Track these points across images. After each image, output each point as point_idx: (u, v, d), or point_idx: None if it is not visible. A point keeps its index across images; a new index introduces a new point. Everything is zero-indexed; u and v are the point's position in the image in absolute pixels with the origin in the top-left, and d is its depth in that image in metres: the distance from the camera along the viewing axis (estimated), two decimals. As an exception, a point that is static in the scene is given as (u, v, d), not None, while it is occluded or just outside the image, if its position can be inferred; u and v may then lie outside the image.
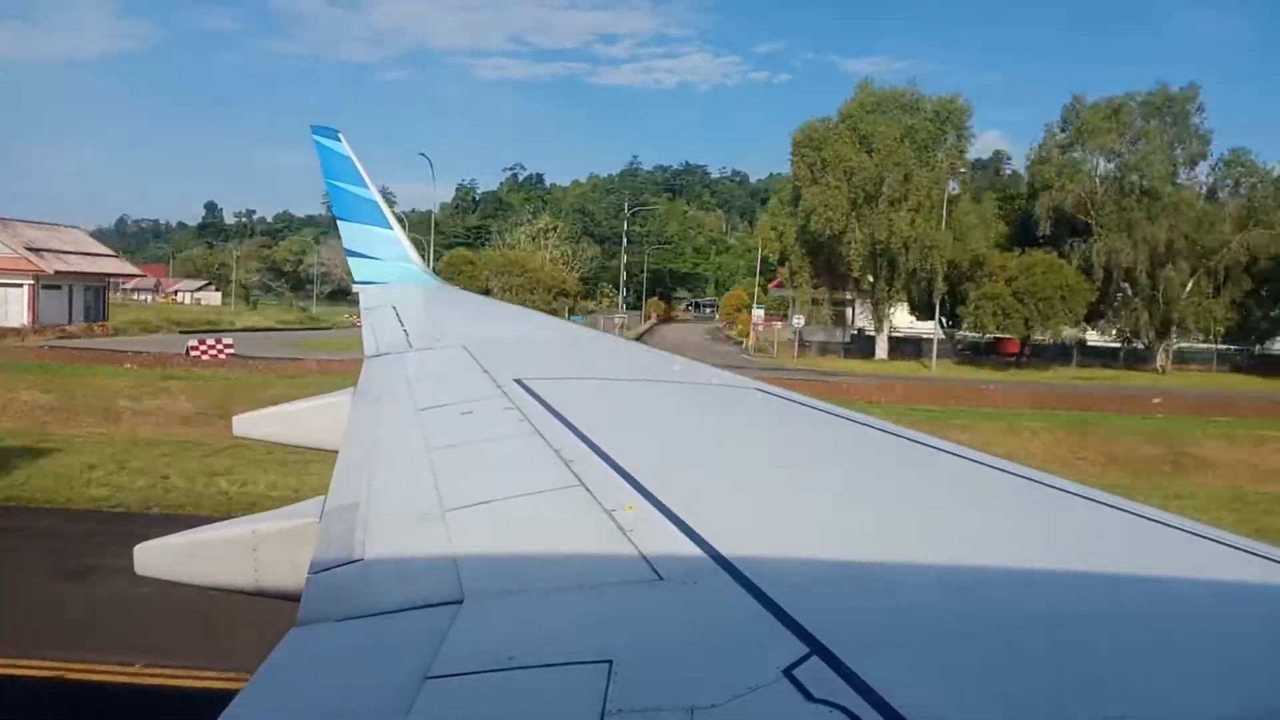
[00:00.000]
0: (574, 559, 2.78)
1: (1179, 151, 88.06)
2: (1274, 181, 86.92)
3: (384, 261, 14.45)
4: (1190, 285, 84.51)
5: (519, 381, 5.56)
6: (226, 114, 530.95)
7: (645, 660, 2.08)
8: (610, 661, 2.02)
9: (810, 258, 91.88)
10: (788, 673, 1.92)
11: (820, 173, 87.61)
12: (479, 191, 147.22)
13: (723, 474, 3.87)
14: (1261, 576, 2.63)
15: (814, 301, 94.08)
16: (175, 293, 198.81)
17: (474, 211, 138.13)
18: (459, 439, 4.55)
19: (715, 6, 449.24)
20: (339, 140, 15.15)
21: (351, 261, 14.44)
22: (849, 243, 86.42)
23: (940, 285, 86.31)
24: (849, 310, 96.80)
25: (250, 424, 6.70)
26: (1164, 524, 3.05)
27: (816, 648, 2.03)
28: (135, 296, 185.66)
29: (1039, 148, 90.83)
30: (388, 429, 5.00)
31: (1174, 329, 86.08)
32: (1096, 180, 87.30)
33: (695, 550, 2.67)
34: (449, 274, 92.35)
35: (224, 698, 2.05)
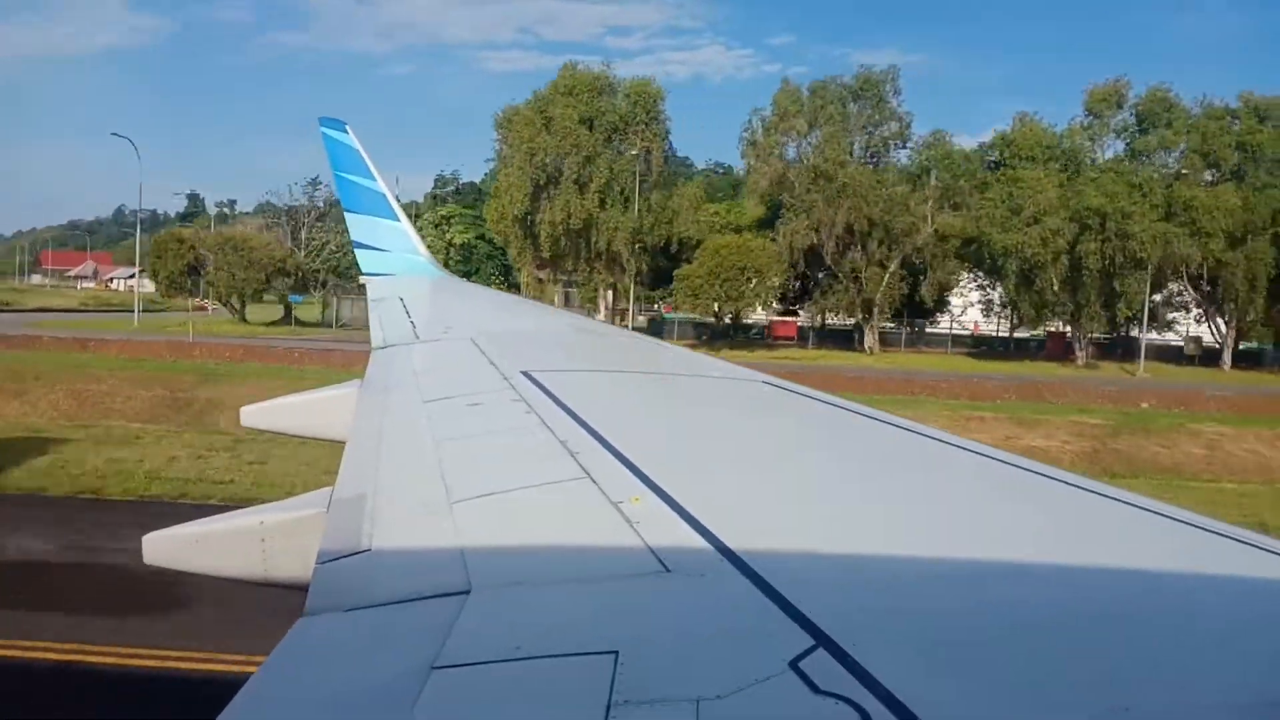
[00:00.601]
0: (580, 551, 2.79)
1: (876, 134, 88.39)
2: (963, 162, 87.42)
3: (391, 253, 14.42)
4: (894, 267, 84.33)
5: (526, 374, 5.57)
6: (228, 106, 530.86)
7: (651, 651, 2.08)
8: (616, 653, 2.02)
9: (530, 239, 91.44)
10: (794, 665, 1.92)
11: (510, 155, 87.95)
12: (461, 181, 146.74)
13: (729, 467, 3.88)
14: (1265, 570, 2.64)
15: (539, 281, 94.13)
16: (111, 279, 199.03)
17: (451, 200, 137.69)
18: (466, 431, 4.56)
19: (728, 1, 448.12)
20: (346, 132, 15.15)
21: (359, 253, 14.42)
22: (540, 224, 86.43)
23: (631, 265, 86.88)
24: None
25: (258, 415, 6.75)
26: (1172, 518, 3.05)
27: (823, 640, 2.03)
28: (80, 285, 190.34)
29: (747, 131, 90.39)
30: (395, 420, 5.01)
31: (875, 311, 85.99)
32: (784, 163, 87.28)
33: (701, 543, 2.68)
34: (154, 256, 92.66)
35: (235, 683, 2.07)
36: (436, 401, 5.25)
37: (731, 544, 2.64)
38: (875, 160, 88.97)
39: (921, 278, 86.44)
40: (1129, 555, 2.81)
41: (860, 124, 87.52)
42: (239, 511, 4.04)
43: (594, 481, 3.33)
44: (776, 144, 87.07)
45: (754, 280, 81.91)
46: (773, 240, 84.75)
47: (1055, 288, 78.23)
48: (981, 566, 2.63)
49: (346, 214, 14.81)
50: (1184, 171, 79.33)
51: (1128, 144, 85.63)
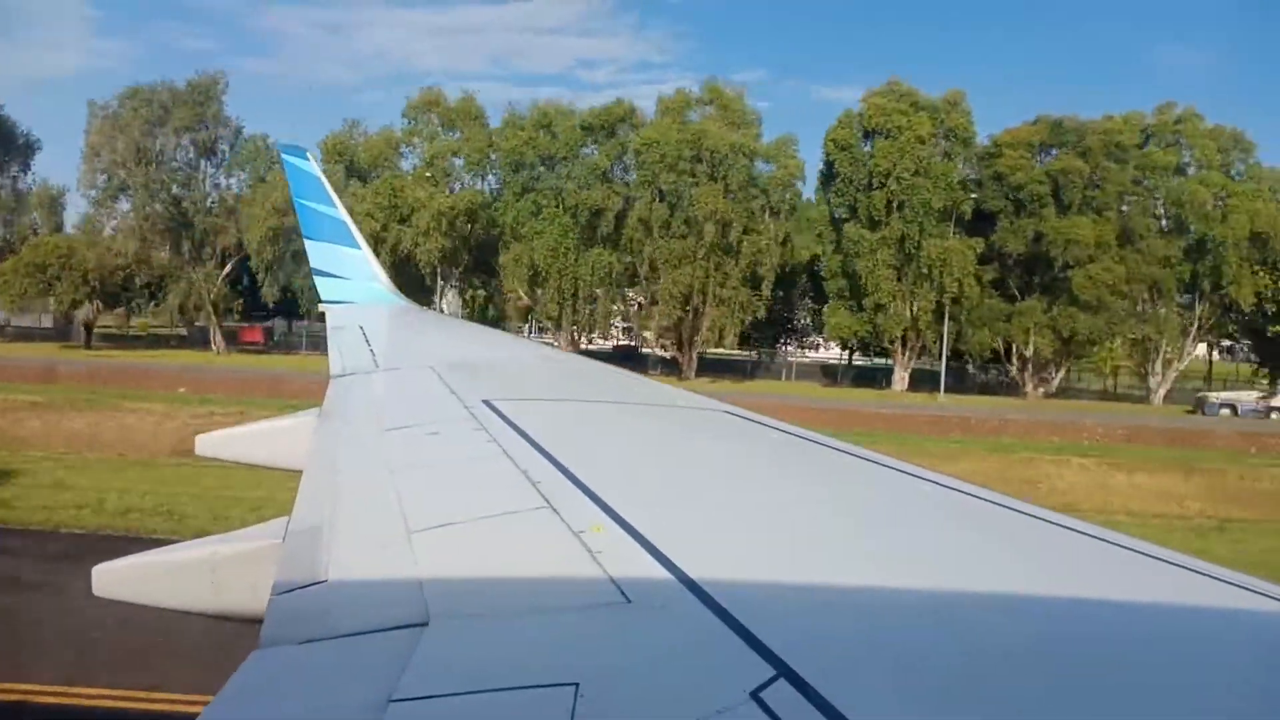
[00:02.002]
0: (541, 581, 2.77)
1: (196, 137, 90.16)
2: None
3: (351, 281, 14.37)
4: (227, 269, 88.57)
5: (487, 403, 5.54)
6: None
7: (612, 683, 2.07)
8: (577, 684, 2.00)
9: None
10: (755, 695, 1.92)
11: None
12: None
13: (691, 497, 3.88)
14: (1219, 600, 2.68)
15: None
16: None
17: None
18: (425, 460, 4.53)
19: (694, 35, 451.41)
20: (307, 159, 15.17)
21: (319, 281, 14.32)
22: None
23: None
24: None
25: (214, 444, 6.67)
26: (1139, 551, 3.08)
27: (784, 670, 2.03)
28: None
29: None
30: (353, 450, 4.96)
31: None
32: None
33: (663, 573, 2.67)
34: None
35: None
36: (396, 430, 5.21)
37: (693, 574, 2.63)
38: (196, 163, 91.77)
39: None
40: (1094, 586, 2.84)
41: (182, 126, 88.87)
42: (191, 542, 3.99)
43: (555, 511, 3.31)
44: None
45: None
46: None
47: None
48: (944, 596, 2.64)
49: (306, 241, 14.72)
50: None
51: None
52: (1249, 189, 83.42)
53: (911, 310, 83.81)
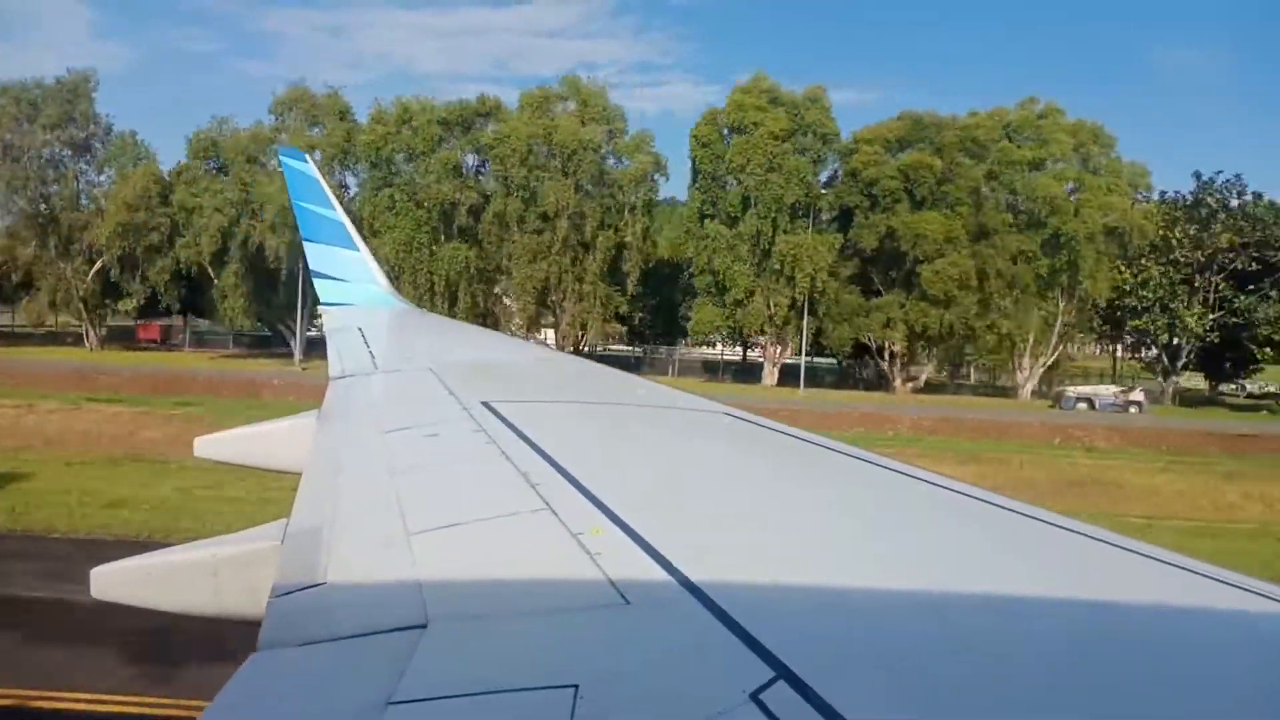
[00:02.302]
0: (540, 583, 2.77)
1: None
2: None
3: (350, 283, 14.36)
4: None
5: (486, 404, 5.53)
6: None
7: (611, 685, 2.07)
8: (576, 687, 2.01)
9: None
10: (754, 697, 1.92)
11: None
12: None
13: (690, 498, 3.89)
14: (1218, 601, 2.69)
15: None
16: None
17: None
18: (424, 462, 4.53)
19: (696, 37, 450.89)
20: (306, 162, 15.21)
21: (317, 283, 14.31)
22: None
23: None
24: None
25: (213, 446, 6.67)
26: (1136, 552, 3.09)
27: (783, 671, 2.03)
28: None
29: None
30: (352, 451, 4.96)
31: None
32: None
33: (662, 574, 2.68)
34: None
35: None
36: (395, 432, 5.20)
37: (692, 575, 2.64)
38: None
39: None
40: (1092, 586, 2.85)
41: (51, 123, 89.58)
42: (191, 544, 3.95)
43: (554, 513, 3.31)
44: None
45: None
46: None
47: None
48: (942, 597, 2.65)
49: (305, 244, 14.70)
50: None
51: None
52: (1104, 182, 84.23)
53: (769, 306, 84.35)
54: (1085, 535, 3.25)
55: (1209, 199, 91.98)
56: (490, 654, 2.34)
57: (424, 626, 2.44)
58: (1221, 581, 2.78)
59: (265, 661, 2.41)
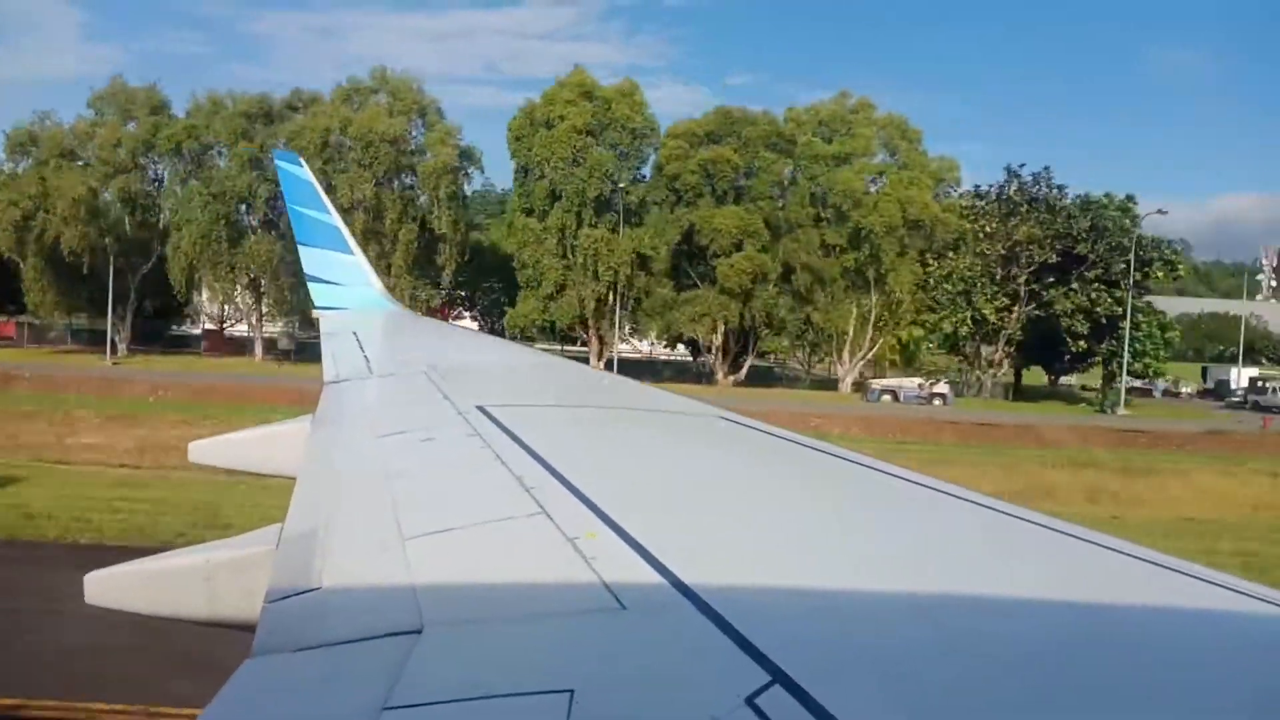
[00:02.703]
0: (535, 587, 2.77)
1: None
2: None
3: (345, 287, 14.26)
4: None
5: (481, 408, 5.50)
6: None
7: (607, 689, 2.08)
8: (571, 691, 2.00)
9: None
10: (750, 701, 1.92)
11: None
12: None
13: (686, 502, 3.89)
14: (1213, 603, 2.70)
15: None
16: None
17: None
18: (419, 466, 4.51)
19: (687, 39, 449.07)
20: (301, 165, 15.14)
21: (312, 287, 14.19)
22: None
23: None
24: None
25: (207, 450, 6.66)
26: (1130, 554, 3.09)
27: (778, 676, 2.04)
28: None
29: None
30: (347, 456, 4.94)
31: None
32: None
33: (658, 578, 2.68)
34: None
35: None
36: (390, 436, 5.20)
37: (688, 579, 2.64)
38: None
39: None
40: (1088, 589, 2.87)
41: None
42: (185, 549, 3.93)
43: (549, 517, 3.30)
44: None
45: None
46: None
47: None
48: (938, 600, 2.66)
49: (300, 247, 14.60)
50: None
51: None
52: (906, 177, 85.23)
53: (579, 298, 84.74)
54: (1078, 538, 3.25)
55: (1013, 193, 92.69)
56: (485, 659, 2.33)
57: (419, 632, 2.43)
58: (1212, 583, 2.80)
59: (259, 667, 2.39)
